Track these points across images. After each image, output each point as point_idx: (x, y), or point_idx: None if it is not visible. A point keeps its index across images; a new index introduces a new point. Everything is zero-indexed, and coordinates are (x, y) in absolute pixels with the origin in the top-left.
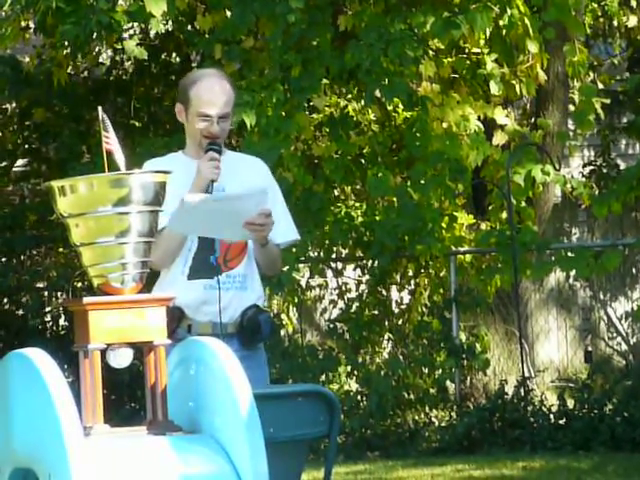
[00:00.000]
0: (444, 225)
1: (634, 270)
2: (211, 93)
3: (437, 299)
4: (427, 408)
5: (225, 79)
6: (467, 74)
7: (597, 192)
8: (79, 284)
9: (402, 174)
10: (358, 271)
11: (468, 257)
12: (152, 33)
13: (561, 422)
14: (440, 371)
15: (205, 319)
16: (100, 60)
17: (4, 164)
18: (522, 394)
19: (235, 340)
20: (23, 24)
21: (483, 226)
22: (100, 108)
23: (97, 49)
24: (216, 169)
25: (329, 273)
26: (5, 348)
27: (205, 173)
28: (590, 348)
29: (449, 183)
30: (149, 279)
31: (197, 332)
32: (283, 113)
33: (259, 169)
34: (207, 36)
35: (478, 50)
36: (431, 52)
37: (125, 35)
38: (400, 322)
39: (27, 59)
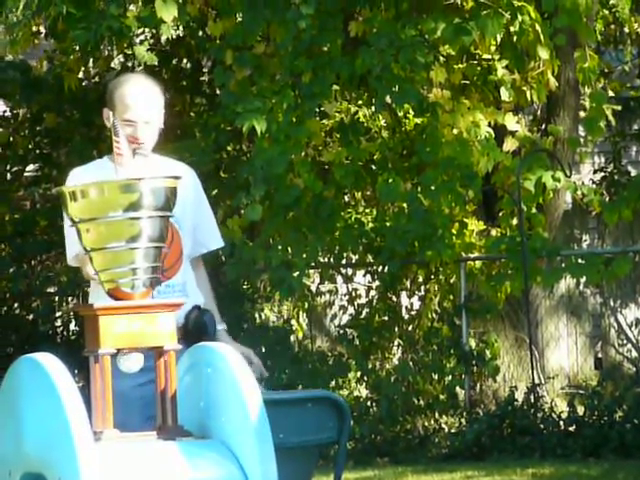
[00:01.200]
0: (454, 231)
1: None
2: (133, 96)
3: (447, 305)
4: (437, 414)
5: (148, 80)
6: (478, 80)
7: (608, 199)
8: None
9: (412, 180)
10: (368, 277)
11: (478, 263)
12: (163, 39)
13: (571, 429)
14: (450, 377)
15: None
16: (111, 65)
17: (15, 169)
18: (532, 401)
19: (182, 344)
20: (34, 29)
21: (493, 232)
22: (111, 114)
23: (108, 54)
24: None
25: (339, 279)
26: (16, 353)
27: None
28: (600, 355)
29: (459, 189)
30: None
31: None
32: (294, 119)
33: (190, 178)
34: (218, 42)
35: (489, 56)
36: (442, 58)
37: (136, 40)
38: (410, 328)
39: (36, 63)
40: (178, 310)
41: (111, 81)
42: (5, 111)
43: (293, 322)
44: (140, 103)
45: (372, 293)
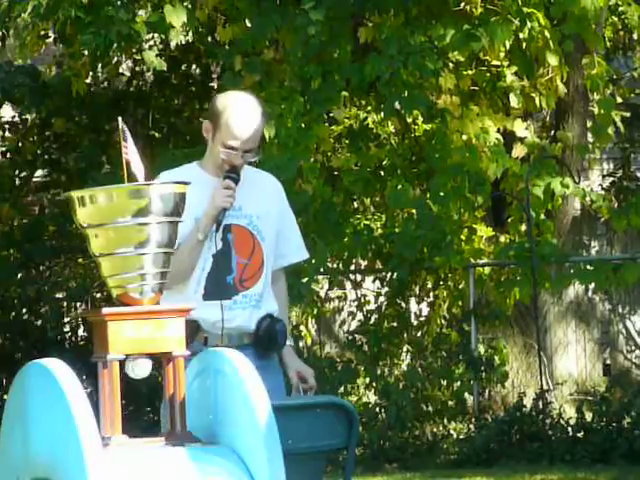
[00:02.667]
0: (463, 237)
1: None
2: (241, 126)
3: (456, 311)
4: (445, 420)
5: (257, 106)
6: (487, 87)
7: (616, 205)
8: (98, 295)
9: (421, 186)
10: (377, 283)
11: (487, 269)
12: (172, 44)
13: (579, 435)
14: (459, 383)
15: (221, 332)
16: (120, 71)
17: (24, 174)
18: (540, 407)
19: (250, 350)
20: (42, 33)
21: (502, 238)
22: (120, 119)
23: (116, 60)
24: (229, 197)
25: (348, 285)
26: (24, 358)
27: (218, 202)
28: (609, 361)
29: (468, 195)
30: None
31: (213, 344)
32: (303, 125)
33: (274, 188)
34: (227, 47)
35: (498, 63)
36: (451, 64)
37: (145, 46)
38: (419, 334)
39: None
40: (186, 315)
41: (216, 98)
42: (14, 116)
43: (302, 328)
44: (245, 133)
45: (381, 299)
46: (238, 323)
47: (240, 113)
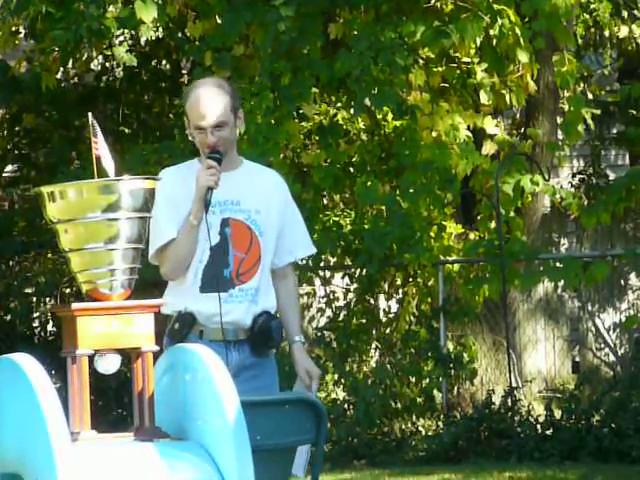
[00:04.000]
0: (433, 234)
1: (622, 281)
2: (202, 104)
3: (425, 308)
4: (414, 417)
5: (219, 86)
6: (457, 83)
7: (586, 203)
8: (67, 290)
9: (391, 183)
10: (346, 279)
11: (456, 266)
12: (142, 40)
13: (548, 432)
14: (427, 380)
15: (217, 326)
16: (90, 66)
17: None
18: (509, 404)
19: (246, 346)
20: (13, 29)
21: (472, 236)
22: (90, 114)
23: (87, 55)
24: (212, 176)
25: (317, 281)
26: None
27: (201, 180)
28: (578, 359)
29: (438, 192)
30: (138, 287)
31: (209, 338)
32: (272, 121)
33: (276, 184)
34: (197, 43)
35: (468, 59)
36: (421, 61)
37: (115, 41)
38: (388, 331)
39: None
40: (155, 311)
41: (185, 90)
42: None
43: None
44: (207, 109)
45: (350, 295)
46: (233, 317)
47: (200, 92)
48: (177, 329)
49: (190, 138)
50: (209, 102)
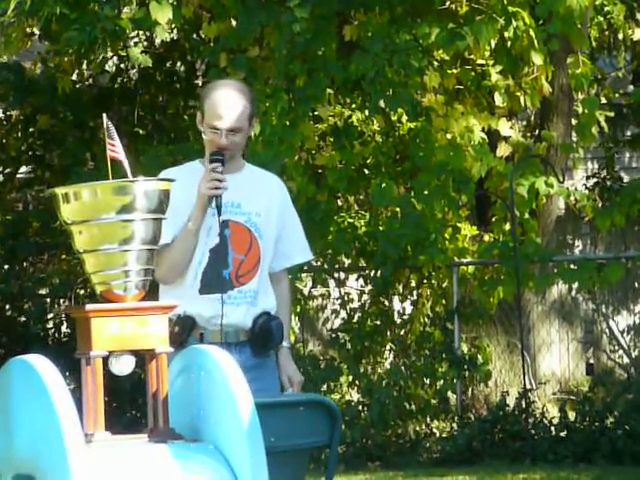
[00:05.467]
0: (447, 236)
1: (637, 283)
2: (222, 106)
3: (439, 310)
4: (428, 419)
5: (240, 90)
6: (472, 85)
7: (600, 205)
8: (82, 291)
9: (406, 184)
10: (361, 281)
11: (471, 268)
12: (157, 41)
13: (562, 434)
14: (442, 382)
15: (217, 328)
16: (105, 67)
17: (8, 171)
18: (523, 406)
19: (247, 348)
20: (28, 31)
21: (486, 237)
22: (105, 115)
23: (102, 56)
24: (213, 181)
25: (332, 283)
26: (7, 355)
27: (203, 189)
28: (592, 361)
29: (453, 194)
30: (152, 288)
31: (209, 341)
32: (287, 122)
33: (277, 188)
34: (212, 45)
35: (483, 62)
36: (436, 63)
37: (130, 43)
38: (402, 332)
39: (30, 65)
40: (169, 312)
41: (205, 87)
42: None
43: None
44: (227, 112)
45: (364, 297)
46: (233, 319)
47: (222, 93)
48: (177, 332)
49: (201, 129)
50: (229, 105)
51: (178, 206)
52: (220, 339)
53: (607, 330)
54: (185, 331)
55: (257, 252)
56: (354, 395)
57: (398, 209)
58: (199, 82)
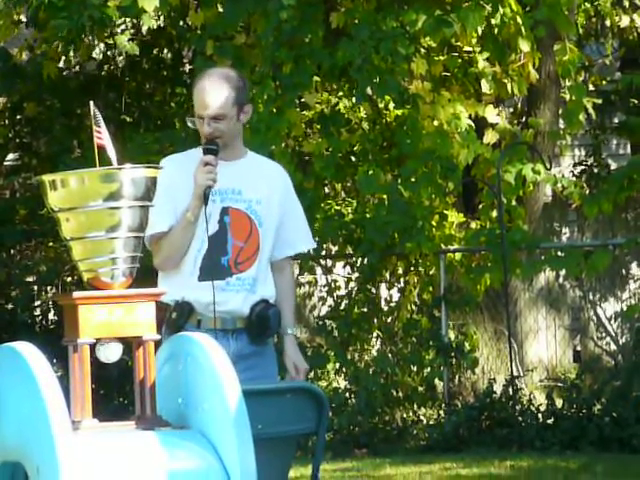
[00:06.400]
0: (434, 223)
1: (624, 270)
2: (204, 94)
3: (426, 297)
4: (415, 406)
5: (225, 78)
6: (459, 72)
7: (588, 192)
8: (69, 278)
9: (393, 172)
10: (348, 268)
11: (458, 255)
12: (144, 29)
13: (549, 422)
14: (429, 369)
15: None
16: (92, 55)
17: None
18: (510, 393)
19: (244, 335)
20: (15, 18)
21: (473, 225)
22: (92, 103)
23: (89, 44)
24: (209, 173)
25: (318, 270)
26: None
27: (199, 179)
28: (579, 348)
29: (440, 181)
30: (141, 275)
31: (206, 327)
32: (274, 109)
33: (279, 176)
34: (199, 32)
35: (470, 48)
36: (423, 50)
37: (117, 30)
38: (389, 320)
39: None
40: (157, 299)
41: (193, 74)
42: None
43: None
44: (208, 99)
45: (351, 285)
46: (231, 306)
47: (205, 82)
48: (175, 318)
49: (192, 125)
50: (210, 93)
51: (178, 192)
52: (217, 326)
53: (594, 317)
54: (182, 317)
55: (256, 239)
56: (341, 382)
57: (385, 196)
58: (186, 69)
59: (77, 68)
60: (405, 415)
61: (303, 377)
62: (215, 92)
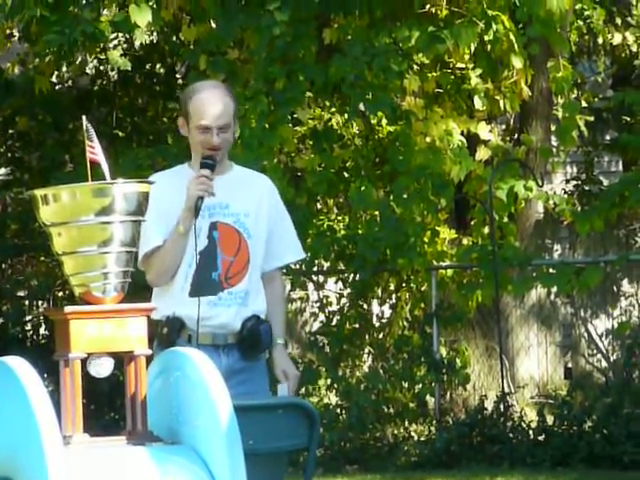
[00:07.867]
0: (426, 239)
1: (615, 287)
2: (209, 104)
3: (418, 313)
4: (406, 422)
5: (223, 89)
6: (451, 89)
7: (579, 209)
8: (60, 293)
9: (385, 188)
10: (339, 284)
11: (449, 272)
12: (137, 44)
13: (540, 438)
14: (420, 385)
15: (206, 330)
16: (85, 70)
17: None
18: (502, 410)
19: (236, 350)
20: (7, 32)
21: (465, 241)
22: (84, 118)
23: (81, 59)
24: (202, 185)
25: (310, 286)
26: None
27: (192, 190)
28: (570, 365)
29: (432, 197)
30: (133, 290)
31: (197, 342)
32: (267, 125)
33: (266, 188)
34: (192, 47)
35: (463, 65)
36: (415, 66)
37: (110, 45)
38: (381, 336)
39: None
40: (148, 314)
41: (183, 92)
42: None
43: None
44: (214, 109)
45: (343, 300)
46: (222, 321)
47: (206, 92)
48: (166, 334)
49: (184, 134)
50: (216, 103)
51: (167, 209)
52: (209, 341)
53: (585, 334)
54: (173, 332)
55: (246, 253)
56: (332, 398)
57: (377, 212)
58: (179, 84)
59: (69, 83)
60: (396, 431)
61: (293, 383)
62: (220, 102)
